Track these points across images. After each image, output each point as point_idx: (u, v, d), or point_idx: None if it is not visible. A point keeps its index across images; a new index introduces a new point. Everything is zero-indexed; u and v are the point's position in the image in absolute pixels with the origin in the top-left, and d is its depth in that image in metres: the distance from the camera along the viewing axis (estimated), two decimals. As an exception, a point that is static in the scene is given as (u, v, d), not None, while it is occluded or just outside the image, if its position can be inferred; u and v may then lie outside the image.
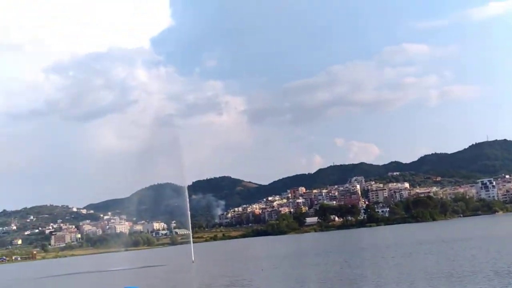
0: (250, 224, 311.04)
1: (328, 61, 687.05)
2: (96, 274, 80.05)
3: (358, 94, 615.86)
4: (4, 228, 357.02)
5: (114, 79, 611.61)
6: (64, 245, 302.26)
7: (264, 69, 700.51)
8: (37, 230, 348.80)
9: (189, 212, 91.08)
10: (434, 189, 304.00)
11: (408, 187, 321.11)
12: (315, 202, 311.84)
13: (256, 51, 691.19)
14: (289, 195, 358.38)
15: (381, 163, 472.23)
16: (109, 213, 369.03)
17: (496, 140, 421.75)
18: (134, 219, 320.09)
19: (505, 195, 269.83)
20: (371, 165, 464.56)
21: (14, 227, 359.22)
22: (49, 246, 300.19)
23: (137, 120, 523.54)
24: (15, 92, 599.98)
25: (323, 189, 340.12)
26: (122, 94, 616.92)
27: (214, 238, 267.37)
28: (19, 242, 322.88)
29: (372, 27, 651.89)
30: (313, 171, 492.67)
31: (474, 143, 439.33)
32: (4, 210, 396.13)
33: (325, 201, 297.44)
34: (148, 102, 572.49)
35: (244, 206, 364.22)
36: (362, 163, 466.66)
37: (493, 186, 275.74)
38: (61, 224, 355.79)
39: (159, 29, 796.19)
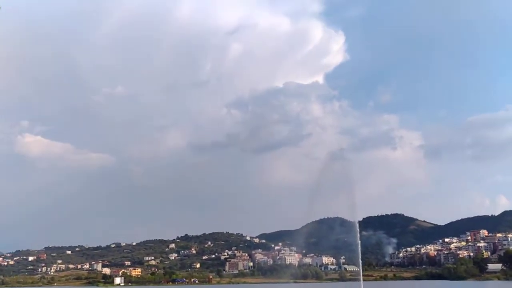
0: (423, 266, 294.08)
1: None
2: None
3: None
4: (185, 252, 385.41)
5: (290, 114, 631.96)
6: (237, 272, 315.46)
7: (443, 102, 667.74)
8: (213, 256, 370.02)
9: (359, 249, 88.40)
10: None
11: None
12: (499, 247, 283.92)
13: (434, 83, 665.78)
14: (469, 237, 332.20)
15: None
16: (280, 244, 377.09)
17: None
18: (304, 251, 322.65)
19: None
20: None
21: (194, 251, 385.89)
22: (224, 272, 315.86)
23: (310, 154, 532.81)
24: (200, 126, 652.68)
25: (509, 234, 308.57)
26: (297, 128, 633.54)
27: (385, 278, 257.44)
28: (198, 265, 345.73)
29: None
30: (497, 213, 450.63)
31: None
32: (186, 235, 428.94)
33: (511, 247, 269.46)
34: (322, 136, 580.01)
35: (418, 246, 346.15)
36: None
37: None
38: (235, 252, 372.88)
39: (334, 64, 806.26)
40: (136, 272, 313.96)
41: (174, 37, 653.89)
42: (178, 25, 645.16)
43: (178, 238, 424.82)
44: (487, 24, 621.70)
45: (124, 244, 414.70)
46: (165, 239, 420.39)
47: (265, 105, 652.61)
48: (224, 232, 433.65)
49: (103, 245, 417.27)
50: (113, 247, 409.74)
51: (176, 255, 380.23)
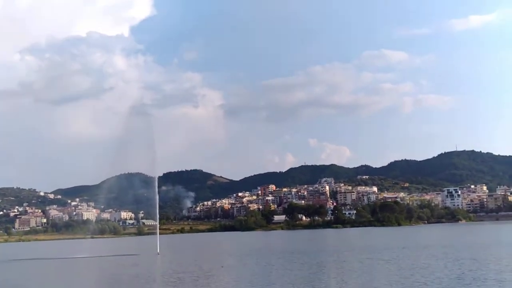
0: (218, 219, 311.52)
1: (307, 62, 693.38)
2: (60, 261, 79.60)
3: (334, 96, 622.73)
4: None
5: (91, 65, 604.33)
6: (28, 229, 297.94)
7: (244, 65, 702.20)
8: (1, 213, 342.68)
9: (157, 204, 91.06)
10: (401, 194, 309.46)
11: (376, 191, 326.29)
12: (284, 201, 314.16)
13: (236, 46, 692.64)
14: (259, 192, 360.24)
15: (351, 166, 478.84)
16: (77, 199, 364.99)
17: (465, 150, 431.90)
18: (102, 207, 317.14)
19: (469, 204, 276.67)
20: (341, 167, 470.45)
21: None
22: (13, 229, 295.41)
23: (112, 108, 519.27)
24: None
25: (293, 188, 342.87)
26: (99, 81, 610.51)
27: (181, 231, 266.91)
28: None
29: (353, 31, 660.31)
30: (284, 169, 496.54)
31: (443, 152, 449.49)
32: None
33: (294, 200, 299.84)
34: (125, 90, 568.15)
35: (214, 200, 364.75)
36: (333, 165, 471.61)
37: (458, 195, 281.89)
38: (27, 208, 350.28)
39: (140, 17, 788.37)
40: None
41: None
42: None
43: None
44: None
45: None
46: None
47: (65, 54, 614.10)
48: (15, 187, 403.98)
49: None
50: None
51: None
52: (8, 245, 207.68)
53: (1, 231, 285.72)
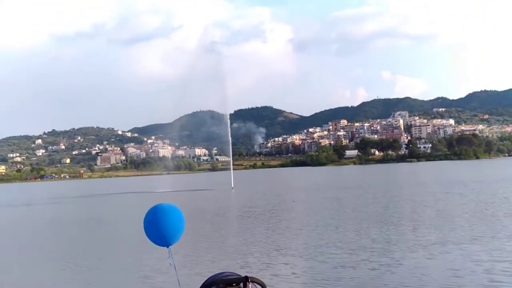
0: (289, 154, 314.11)
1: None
2: (145, 194, 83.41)
3: (408, 26, 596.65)
4: (54, 147, 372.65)
5: (160, 4, 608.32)
6: (109, 166, 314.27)
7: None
8: (84, 151, 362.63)
9: (230, 140, 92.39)
10: (480, 127, 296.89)
11: (453, 124, 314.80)
12: (356, 136, 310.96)
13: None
14: (330, 127, 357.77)
15: (426, 99, 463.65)
16: (153, 137, 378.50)
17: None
18: (177, 144, 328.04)
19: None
20: (416, 100, 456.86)
21: (63, 147, 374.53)
22: (95, 166, 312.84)
23: (181, 46, 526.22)
24: (60, 14, 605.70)
25: (365, 123, 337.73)
26: (168, 19, 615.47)
27: (254, 166, 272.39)
28: (68, 161, 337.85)
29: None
30: (356, 104, 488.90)
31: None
32: (53, 130, 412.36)
33: (366, 135, 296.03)
34: (193, 28, 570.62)
35: (284, 136, 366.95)
36: (407, 98, 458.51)
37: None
38: (107, 146, 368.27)
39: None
40: (0, 169, 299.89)
41: None
42: None
43: (45, 133, 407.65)
44: None
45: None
46: (30, 134, 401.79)
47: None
48: (95, 126, 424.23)
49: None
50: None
51: (43, 151, 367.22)
52: (93, 181, 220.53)
53: (85, 168, 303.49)
